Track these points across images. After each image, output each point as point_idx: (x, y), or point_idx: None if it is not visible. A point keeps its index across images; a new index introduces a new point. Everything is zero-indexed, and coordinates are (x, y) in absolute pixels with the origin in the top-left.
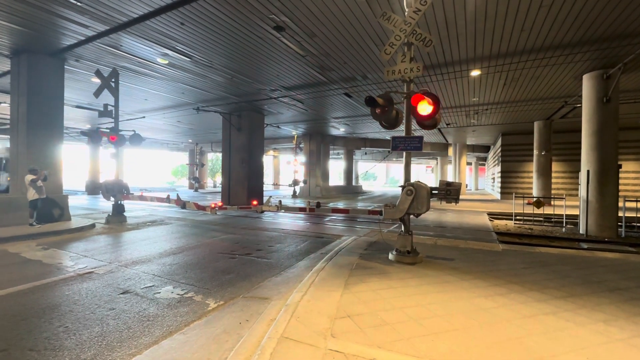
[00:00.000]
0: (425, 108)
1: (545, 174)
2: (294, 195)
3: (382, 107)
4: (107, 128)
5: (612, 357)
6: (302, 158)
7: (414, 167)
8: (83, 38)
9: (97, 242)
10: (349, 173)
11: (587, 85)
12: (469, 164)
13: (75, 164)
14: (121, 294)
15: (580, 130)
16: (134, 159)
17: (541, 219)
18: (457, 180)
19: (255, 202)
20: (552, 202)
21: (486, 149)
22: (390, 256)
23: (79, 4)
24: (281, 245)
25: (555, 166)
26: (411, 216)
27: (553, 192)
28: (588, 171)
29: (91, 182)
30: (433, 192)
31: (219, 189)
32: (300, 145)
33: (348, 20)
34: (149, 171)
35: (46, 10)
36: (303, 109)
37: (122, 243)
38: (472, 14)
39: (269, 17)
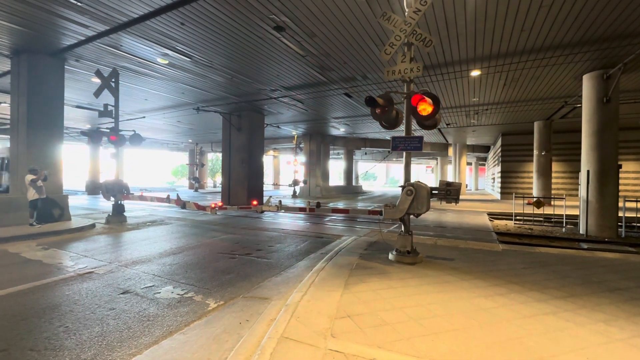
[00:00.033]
0: (425, 108)
1: (545, 174)
2: (294, 195)
3: (382, 107)
4: (107, 128)
5: (612, 357)
6: (302, 158)
7: (414, 167)
8: (83, 38)
9: (97, 242)
10: (349, 173)
11: (587, 86)
12: (469, 164)
13: (75, 164)
14: (121, 294)
15: (580, 131)
16: (134, 159)
17: (541, 219)
18: (457, 181)
19: (255, 202)
20: (552, 202)
21: (486, 149)
22: (390, 256)
23: (79, 4)
24: (281, 245)
25: (555, 166)
26: (411, 216)
27: (553, 192)
28: (588, 171)
29: (91, 182)
30: (433, 192)
31: (219, 189)
32: (300, 145)
33: (348, 20)
34: (149, 171)
35: (46, 10)
36: (303, 109)
37: (122, 243)
38: (472, 14)
39: (269, 17)
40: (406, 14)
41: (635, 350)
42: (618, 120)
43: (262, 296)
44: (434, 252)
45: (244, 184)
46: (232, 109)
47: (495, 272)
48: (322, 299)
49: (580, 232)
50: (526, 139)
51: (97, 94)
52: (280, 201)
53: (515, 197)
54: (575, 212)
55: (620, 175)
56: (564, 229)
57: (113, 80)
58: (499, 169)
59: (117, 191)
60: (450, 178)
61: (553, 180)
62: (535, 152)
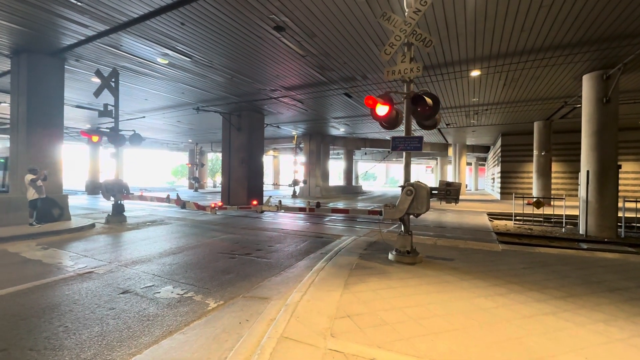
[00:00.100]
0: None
1: (545, 174)
2: (294, 195)
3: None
4: (107, 128)
5: (611, 357)
6: (302, 158)
7: (413, 167)
8: (83, 38)
9: (97, 242)
10: (348, 173)
11: (587, 86)
12: (468, 164)
13: (75, 163)
14: (121, 293)
15: (580, 131)
16: (133, 158)
17: (541, 219)
18: (456, 181)
19: (255, 202)
20: (552, 203)
21: (486, 149)
22: (390, 256)
23: (79, 3)
24: (281, 245)
25: (555, 166)
26: (411, 216)
27: (553, 192)
28: (588, 171)
29: (91, 181)
30: (433, 192)
31: (219, 189)
32: (300, 145)
33: (348, 20)
34: (149, 171)
35: (46, 10)
36: (303, 109)
37: (122, 243)
38: (472, 14)
39: (269, 17)
40: (406, 14)
41: (635, 350)
42: (618, 120)
43: (262, 296)
44: (433, 252)
45: (244, 184)
46: (232, 109)
47: (495, 272)
48: (321, 298)
49: (580, 232)
50: (526, 139)
51: (97, 93)
52: (280, 201)
53: (515, 197)
54: (574, 212)
55: (620, 175)
56: (563, 229)
57: (113, 80)
58: (498, 169)
59: (117, 191)
60: (450, 178)
61: (553, 181)
62: (535, 152)
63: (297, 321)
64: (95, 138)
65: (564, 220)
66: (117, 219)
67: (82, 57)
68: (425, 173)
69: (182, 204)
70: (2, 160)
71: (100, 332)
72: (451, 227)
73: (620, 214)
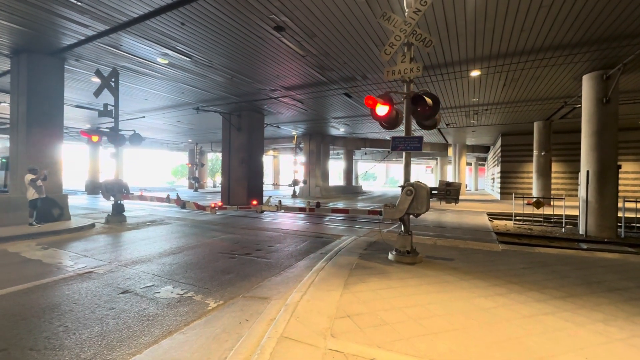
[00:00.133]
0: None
1: (544, 174)
2: (294, 195)
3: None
4: (107, 128)
5: (611, 357)
6: (301, 158)
7: (413, 167)
8: (83, 38)
9: (97, 242)
10: (348, 173)
11: (587, 86)
12: (468, 164)
13: (74, 163)
14: (121, 293)
15: (580, 131)
16: (133, 158)
17: (541, 219)
18: (456, 181)
19: (255, 202)
20: (552, 203)
21: (486, 149)
22: (390, 256)
23: (79, 3)
24: (281, 245)
25: (554, 166)
26: (411, 216)
27: (553, 192)
28: (588, 172)
29: (91, 181)
30: (433, 192)
31: (219, 189)
32: (300, 145)
33: (348, 20)
34: (149, 171)
35: (46, 9)
36: (303, 109)
37: (121, 243)
38: (472, 14)
39: (269, 17)
40: (406, 14)
41: (635, 350)
42: (617, 120)
43: (262, 296)
44: (433, 252)
45: (244, 184)
46: (232, 109)
47: (494, 272)
48: (321, 298)
49: (580, 232)
50: (526, 139)
51: (97, 93)
52: (280, 201)
53: (514, 197)
54: (574, 212)
55: (620, 175)
56: (563, 229)
57: (113, 80)
58: (498, 169)
59: (117, 191)
60: (450, 178)
61: (553, 181)
62: (534, 152)
63: (297, 321)
64: (95, 138)
65: (563, 220)
66: (117, 218)
67: (82, 57)
68: (425, 173)
69: (182, 204)
70: (4, 160)
71: (100, 331)
72: (451, 227)
73: (620, 214)
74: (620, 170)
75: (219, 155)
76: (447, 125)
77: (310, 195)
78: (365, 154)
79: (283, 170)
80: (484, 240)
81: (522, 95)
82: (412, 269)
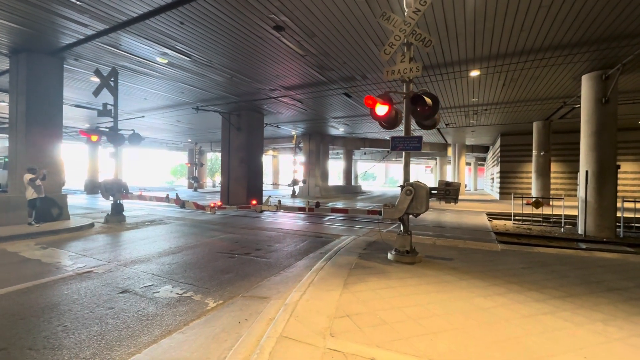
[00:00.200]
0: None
1: (544, 174)
2: (293, 195)
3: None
4: (106, 127)
5: (610, 357)
6: (301, 158)
7: (413, 167)
8: (82, 37)
9: (96, 242)
10: (348, 173)
11: (586, 86)
12: (468, 164)
13: (74, 163)
14: (120, 293)
15: (579, 131)
16: (133, 158)
17: (540, 219)
18: (456, 181)
19: (254, 202)
20: (551, 203)
21: (485, 149)
22: (390, 256)
23: (78, 3)
24: (280, 245)
25: (554, 166)
26: (410, 216)
27: (552, 192)
28: (587, 172)
29: (90, 181)
30: (432, 192)
31: (218, 189)
32: (300, 145)
33: (348, 20)
34: (148, 170)
35: (46, 9)
36: (302, 108)
37: (121, 242)
38: (471, 14)
39: (269, 17)
40: (406, 14)
41: (634, 350)
42: (617, 120)
43: (261, 295)
44: (433, 251)
45: (243, 184)
46: (231, 109)
47: (494, 271)
48: (321, 298)
49: (579, 232)
50: (525, 139)
51: (97, 93)
52: (279, 201)
53: (514, 197)
54: (573, 212)
55: (619, 175)
56: (562, 229)
57: (112, 79)
58: (498, 169)
59: (116, 190)
60: (449, 178)
61: (552, 181)
62: (534, 152)
63: (296, 321)
64: (94, 137)
65: (562, 220)
66: (116, 218)
67: (81, 57)
68: (425, 173)
69: (182, 204)
70: (6, 160)
71: (100, 331)
72: (450, 226)
73: (619, 214)
74: (619, 170)
75: (219, 154)
76: (446, 125)
77: (310, 195)
78: (365, 153)
79: (282, 170)
80: (483, 240)
81: (522, 95)
82: (411, 268)
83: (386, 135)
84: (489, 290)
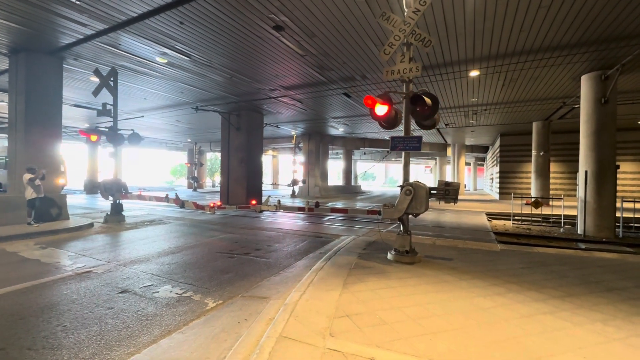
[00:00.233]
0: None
1: (543, 174)
2: (293, 195)
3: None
4: (105, 127)
5: (609, 357)
6: (301, 158)
7: (412, 167)
8: (82, 37)
9: (96, 241)
10: (347, 173)
11: (586, 86)
12: (467, 164)
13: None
14: (120, 293)
15: (578, 131)
16: (132, 158)
17: (539, 219)
18: (455, 181)
19: (254, 202)
20: (550, 203)
21: (485, 149)
22: (389, 256)
23: (78, 2)
24: (280, 245)
25: (553, 167)
26: (410, 216)
27: (551, 192)
28: (586, 172)
29: (89, 181)
30: (432, 192)
31: (218, 189)
32: (299, 145)
33: (347, 20)
34: (148, 170)
35: (45, 8)
36: (302, 108)
37: (120, 242)
38: (471, 15)
39: (269, 17)
40: (405, 14)
41: (633, 350)
42: (616, 121)
43: (261, 295)
44: (432, 251)
45: (243, 184)
46: (231, 109)
47: (493, 271)
48: (320, 298)
49: (578, 232)
50: (524, 140)
51: (96, 93)
52: (279, 201)
53: (513, 197)
54: (573, 212)
55: (618, 175)
56: (562, 229)
57: (112, 79)
58: (497, 169)
59: (116, 190)
60: (449, 178)
61: (551, 181)
62: (533, 152)
63: (296, 321)
64: (93, 137)
65: (562, 220)
66: (115, 218)
67: (80, 56)
68: (424, 173)
69: (181, 204)
70: (7, 160)
71: (99, 331)
72: (450, 227)
73: (618, 214)
74: (618, 170)
75: (218, 154)
76: (446, 125)
77: (310, 195)
78: (365, 153)
79: (282, 170)
80: (483, 240)
81: (521, 95)
82: (411, 268)
83: (386, 135)
84: (488, 290)
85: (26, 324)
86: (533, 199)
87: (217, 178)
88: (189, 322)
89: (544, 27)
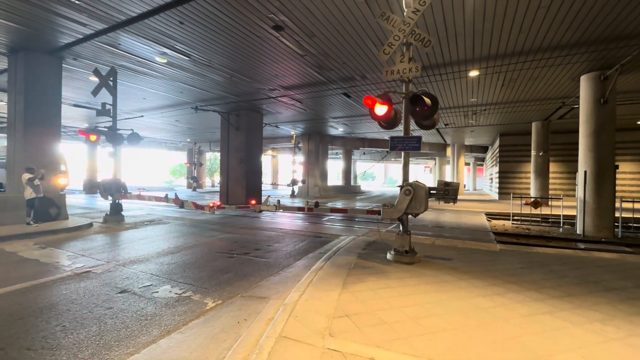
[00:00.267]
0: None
1: (542, 174)
2: (293, 195)
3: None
4: (105, 127)
5: (608, 357)
6: (300, 158)
7: (412, 167)
8: (81, 36)
9: (95, 241)
10: (347, 173)
11: (585, 87)
12: (467, 164)
13: (73, 162)
14: (119, 293)
15: (577, 131)
16: (132, 158)
17: (539, 219)
18: (455, 181)
19: (253, 202)
20: (550, 203)
21: (484, 149)
22: (389, 256)
23: (77, 2)
24: (279, 245)
25: (552, 167)
26: (409, 216)
27: (550, 192)
28: (585, 172)
29: (89, 181)
30: (431, 192)
31: (217, 189)
32: (299, 145)
33: (347, 20)
34: (147, 170)
35: (44, 8)
36: (302, 108)
37: (119, 242)
38: (470, 15)
39: (268, 17)
40: (405, 14)
41: (632, 349)
42: (615, 121)
43: (260, 295)
44: (432, 251)
45: (242, 184)
46: (230, 109)
47: (493, 271)
48: (320, 298)
49: (578, 232)
50: (524, 140)
51: (95, 92)
52: (278, 201)
53: (513, 197)
54: (572, 212)
55: (617, 175)
56: (561, 229)
57: (111, 79)
58: (497, 169)
59: (115, 190)
60: (448, 178)
61: (550, 181)
62: (533, 152)
63: (295, 320)
64: (93, 137)
65: (561, 220)
66: (114, 218)
67: (80, 56)
68: (424, 173)
69: (181, 203)
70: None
71: (98, 331)
72: (449, 227)
73: (617, 214)
74: (617, 170)
75: (218, 154)
76: (445, 125)
77: (309, 195)
78: (364, 153)
79: (282, 170)
80: (482, 240)
81: (521, 95)
82: (410, 268)
83: (385, 135)
84: (487, 290)
85: (25, 324)
86: (532, 199)
87: (217, 178)
88: (188, 322)
89: (544, 28)
